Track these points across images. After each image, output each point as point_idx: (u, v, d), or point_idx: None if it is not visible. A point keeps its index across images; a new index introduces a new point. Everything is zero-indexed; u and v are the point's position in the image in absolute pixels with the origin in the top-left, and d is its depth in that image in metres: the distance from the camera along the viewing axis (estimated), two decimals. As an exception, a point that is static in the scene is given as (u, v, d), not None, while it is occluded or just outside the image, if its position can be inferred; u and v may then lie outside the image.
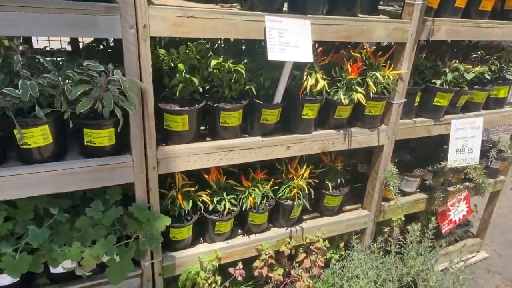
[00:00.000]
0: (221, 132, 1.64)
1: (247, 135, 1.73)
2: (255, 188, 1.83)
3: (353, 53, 1.84)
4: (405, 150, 2.55)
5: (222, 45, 1.81)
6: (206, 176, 1.76)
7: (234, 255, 1.90)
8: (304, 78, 1.67)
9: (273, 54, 1.42)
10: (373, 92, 1.82)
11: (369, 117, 1.93)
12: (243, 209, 1.82)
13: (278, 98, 1.64)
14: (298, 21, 1.47)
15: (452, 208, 2.55)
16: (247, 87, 1.60)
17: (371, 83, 1.81)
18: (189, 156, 1.56)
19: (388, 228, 2.44)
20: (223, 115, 1.58)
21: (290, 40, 1.45)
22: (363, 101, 1.78)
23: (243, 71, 1.55)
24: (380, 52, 1.88)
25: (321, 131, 1.86)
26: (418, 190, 2.49)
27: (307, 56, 1.50)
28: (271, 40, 1.41)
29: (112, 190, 1.49)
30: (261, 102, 1.65)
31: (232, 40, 1.90)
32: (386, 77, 1.87)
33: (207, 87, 1.63)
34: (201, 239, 1.89)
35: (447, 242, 2.67)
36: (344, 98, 1.77)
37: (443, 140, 2.35)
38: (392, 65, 1.89)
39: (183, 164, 1.55)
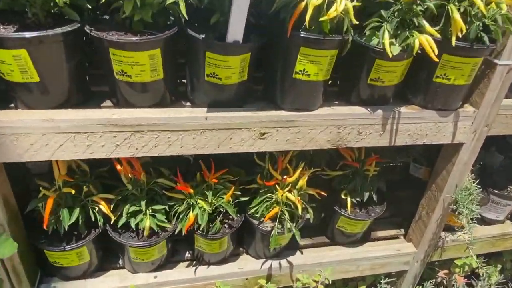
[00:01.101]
0: (120, 93, 0.83)
1: (178, 105, 0.90)
2: (200, 198, 1.03)
3: None
4: (492, 147, 1.53)
5: None
6: (118, 167, 0.99)
7: (168, 296, 1.17)
8: (303, -11, 0.75)
9: None
10: (460, 35, 0.85)
11: (441, 87, 0.97)
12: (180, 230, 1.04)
13: (236, 30, 0.75)
14: None
15: None
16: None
17: (457, 15, 0.83)
18: (44, 135, 0.78)
19: (444, 272, 1.51)
20: (116, 57, 0.76)
21: None
22: (432, 51, 0.82)
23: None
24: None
25: (336, 107, 0.96)
26: (509, 216, 1.50)
27: None
28: None
29: None
30: (201, 37, 0.78)
31: None
32: (493, 7, 0.87)
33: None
34: (118, 263, 1.17)
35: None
36: (393, 44, 0.84)
37: None
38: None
39: (28, 152, 0.79)
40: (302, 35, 0.78)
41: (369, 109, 0.96)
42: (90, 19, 0.79)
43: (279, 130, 0.91)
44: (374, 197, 1.21)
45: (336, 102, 0.99)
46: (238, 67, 0.82)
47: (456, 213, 1.18)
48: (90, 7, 0.79)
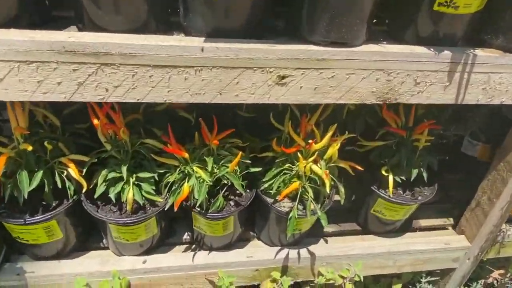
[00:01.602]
0: (86, 13, 0.59)
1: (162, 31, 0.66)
2: (198, 166, 0.79)
3: None
4: None
5: None
6: (95, 121, 0.76)
7: (161, 285, 0.95)
8: None
9: None
10: None
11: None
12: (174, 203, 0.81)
13: None
14: None
15: None
16: None
17: None
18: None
19: (499, 273, 1.24)
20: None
21: None
22: None
23: None
24: None
25: (387, 45, 0.68)
26: None
27: None
28: None
29: None
30: None
31: None
32: None
33: None
34: (102, 242, 0.96)
35: None
36: None
37: None
38: None
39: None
40: None
41: (432, 49, 0.68)
42: None
43: (305, 73, 0.65)
44: (424, 175, 0.93)
45: (385, 42, 0.72)
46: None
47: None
48: None
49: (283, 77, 0.65)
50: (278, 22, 0.75)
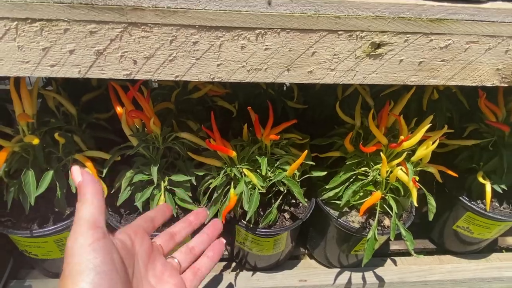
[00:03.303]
0: None
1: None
2: (248, 167, 0.61)
3: None
4: None
5: None
6: (118, 109, 0.60)
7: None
8: None
9: None
10: None
11: None
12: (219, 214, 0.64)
13: None
14: None
15: None
16: None
17: None
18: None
19: None
20: None
21: None
22: None
23: None
24: None
25: (527, 0, 0.48)
26: None
27: None
28: None
29: None
30: None
31: None
32: None
33: None
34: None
35: None
36: None
37: None
38: None
39: None
40: None
41: None
42: None
43: (410, 40, 0.46)
44: (530, 185, 0.72)
45: None
46: None
47: None
48: None
49: (379, 45, 0.46)
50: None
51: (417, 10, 0.44)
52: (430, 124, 0.60)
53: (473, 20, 0.46)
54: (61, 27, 0.41)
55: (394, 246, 0.89)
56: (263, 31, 0.44)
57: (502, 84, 0.52)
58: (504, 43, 0.48)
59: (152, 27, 0.42)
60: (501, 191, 0.73)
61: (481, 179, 0.72)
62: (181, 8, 0.41)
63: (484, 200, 0.75)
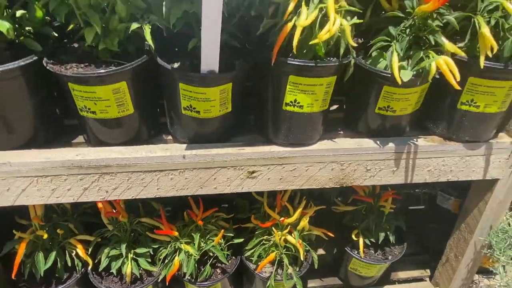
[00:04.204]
0: (90, 130, 0.74)
1: (157, 141, 0.80)
2: (187, 241, 0.91)
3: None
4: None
5: None
6: (99, 205, 0.91)
7: None
8: (289, 8, 0.63)
9: None
10: (490, 54, 0.69)
11: (468, 116, 0.80)
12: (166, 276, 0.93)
13: (209, 60, 0.64)
14: None
15: None
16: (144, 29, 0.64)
17: (486, 30, 0.67)
18: (4, 179, 0.70)
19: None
20: (77, 93, 0.67)
21: None
22: (453, 76, 0.67)
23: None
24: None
25: (339, 140, 0.82)
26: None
27: None
28: None
29: None
30: (171, 67, 0.68)
31: None
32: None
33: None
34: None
35: None
36: (404, 67, 0.70)
37: None
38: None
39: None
40: (289, 62, 0.66)
41: (378, 142, 0.81)
42: (55, 49, 0.71)
43: (271, 168, 0.79)
44: (391, 238, 1.04)
45: (341, 132, 0.86)
46: (218, 99, 0.71)
47: (490, 260, 0.99)
48: (56, 35, 0.72)
49: (253, 172, 0.78)
50: (248, 116, 0.88)
51: (271, 153, 0.77)
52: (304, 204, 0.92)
53: (306, 156, 0.79)
54: (63, 178, 0.72)
55: (311, 284, 1.18)
56: (182, 170, 0.76)
57: (335, 185, 0.84)
58: (329, 165, 0.81)
59: (116, 174, 0.73)
60: (370, 244, 1.04)
61: (354, 237, 1.04)
62: (133, 164, 0.73)
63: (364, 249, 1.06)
